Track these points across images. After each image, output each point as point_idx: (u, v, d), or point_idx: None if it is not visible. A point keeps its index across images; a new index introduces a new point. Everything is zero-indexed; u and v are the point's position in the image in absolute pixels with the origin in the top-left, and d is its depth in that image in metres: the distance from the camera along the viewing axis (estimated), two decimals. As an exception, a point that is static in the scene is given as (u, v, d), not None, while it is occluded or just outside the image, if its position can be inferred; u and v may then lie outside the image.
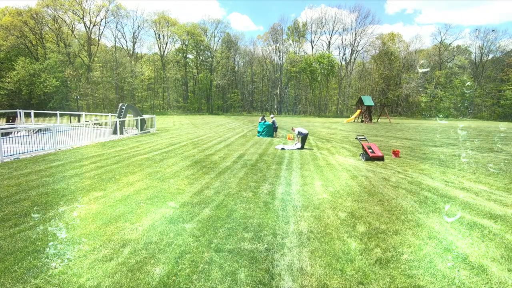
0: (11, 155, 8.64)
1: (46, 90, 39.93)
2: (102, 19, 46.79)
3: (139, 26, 52.05)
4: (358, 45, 58.35)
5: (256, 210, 4.71)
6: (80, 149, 10.56)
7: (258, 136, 15.87)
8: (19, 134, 12.59)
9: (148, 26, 53.01)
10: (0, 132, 8.61)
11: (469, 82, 52.67)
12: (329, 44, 59.30)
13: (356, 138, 10.85)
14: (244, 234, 3.83)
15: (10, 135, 11.29)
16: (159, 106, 55.13)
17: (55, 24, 43.16)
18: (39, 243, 3.47)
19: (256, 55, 63.12)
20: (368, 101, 37.44)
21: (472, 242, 3.73)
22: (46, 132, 12.05)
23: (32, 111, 18.42)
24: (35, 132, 13.04)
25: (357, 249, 3.49)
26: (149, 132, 17.29)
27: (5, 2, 63.16)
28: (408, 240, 3.77)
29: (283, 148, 11.55)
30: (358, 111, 37.55)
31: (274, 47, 60.28)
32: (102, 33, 48.28)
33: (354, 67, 60.92)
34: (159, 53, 55.12)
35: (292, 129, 12.40)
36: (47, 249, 3.35)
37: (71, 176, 6.57)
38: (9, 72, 39.77)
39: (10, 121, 17.56)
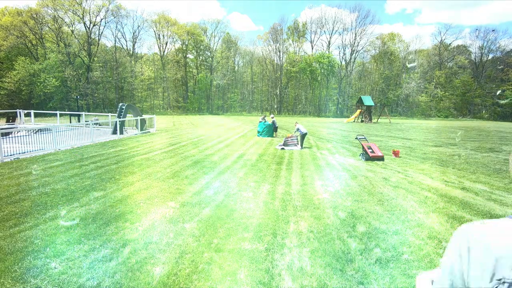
0: (11, 155, 8.64)
1: (46, 90, 39.94)
2: (102, 19, 46.79)
3: (139, 26, 52.06)
4: (358, 45, 58.31)
5: (256, 210, 4.71)
6: (80, 149, 10.56)
7: (258, 136, 15.87)
8: (19, 134, 12.58)
9: (148, 26, 53.02)
10: (0, 132, 8.62)
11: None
12: (329, 44, 59.29)
13: (356, 138, 10.85)
14: (244, 234, 3.83)
15: (10, 135, 11.29)
16: (159, 106, 55.08)
17: (55, 24, 43.14)
18: (39, 243, 3.47)
19: (256, 55, 63.08)
20: (368, 101, 37.43)
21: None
22: (46, 132, 12.05)
23: (32, 111, 18.43)
24: (35, 132, 13.04)
25: (357, 249, 3.49)
26: (149, 132, 17.29)
27: (5, 2, 63.11)
28: (408, 240, 3.77)
29: (283, 148, 11.56)
30: (358, 111, 37.53)
31: (274, 47, 60.23)
32: (102, 33, 48.28)
33: (354, 67, 60.87)
34: (159, 53, 55.09)
35: (295, 123, 12.62)
36: (47, 249, 3.35)
37: (71, 176, 6.57)
38: (9, 72, 39.76)
39: (10, 121, 17.56)
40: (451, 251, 0.80)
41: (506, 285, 0.65)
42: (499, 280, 0.66)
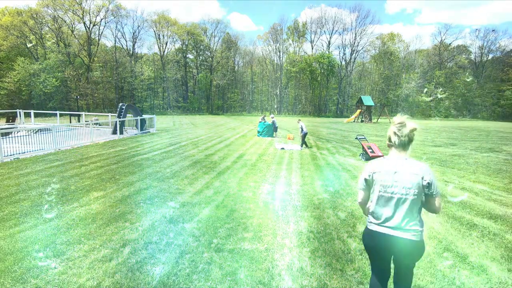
0: (11, 155, 8.64)
1: (46, 90, 39.94)
2: (102, 19, 46.79)
3: (139, 26, 52.05)
4: (358, 45, 58.32)
5: (256, 210, 4.71)
6: (80, 149, 10.56)
7: (258, 136, 15.87)
8: (19, 134, 12.58)
9: (148, 26, 53.03)
10: (0, 132, 8.62)
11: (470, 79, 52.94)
12: (329, 44, 59.28)
13: (356, 138, 10.85)
14: (244, 234, 3.83)
15: (10, 135, 11.28)
16: (159, 106, 55.10)
17: (55, 24, 43.13)
18: (39, 243, 3.47)
19: (256, 55, 63.14)
20: (368, 101, 37.45)
21: (472, 242, 3.73)
22: (46, 132, 12.05)
23: (32, 111, 18.43)
24: (35, 132, 13.03)
25: (357, 249, 3.49)
26: (149, 132, 17.29)
27: (5, 2, 63.09)
28: (408, 240, 3.76)
29: (283, 148, 11.56)
30: (358, 111, 37.55)
31: (274, 47, 60.29)
32: (102, 33, 48.28)
33: (354, 67, 60.88)
34: (159, 53, 55.09)
35: (298, 121, 12.67)
36: (47, 249, 3.35)
37: (71, 176, 6.57)
38: (9, 72, 39.75)
39: (10, 121, 17.56)
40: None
41: (375, 173, 1.97)
42: (372, 172, 1.99)
